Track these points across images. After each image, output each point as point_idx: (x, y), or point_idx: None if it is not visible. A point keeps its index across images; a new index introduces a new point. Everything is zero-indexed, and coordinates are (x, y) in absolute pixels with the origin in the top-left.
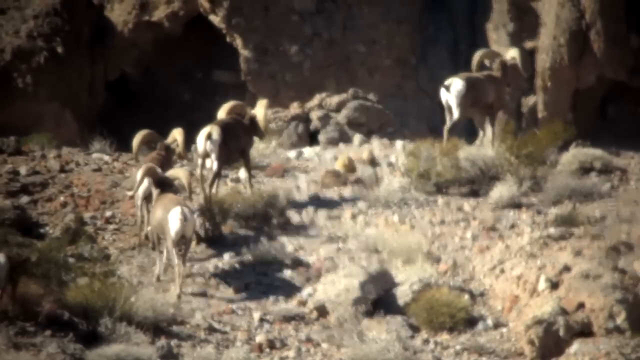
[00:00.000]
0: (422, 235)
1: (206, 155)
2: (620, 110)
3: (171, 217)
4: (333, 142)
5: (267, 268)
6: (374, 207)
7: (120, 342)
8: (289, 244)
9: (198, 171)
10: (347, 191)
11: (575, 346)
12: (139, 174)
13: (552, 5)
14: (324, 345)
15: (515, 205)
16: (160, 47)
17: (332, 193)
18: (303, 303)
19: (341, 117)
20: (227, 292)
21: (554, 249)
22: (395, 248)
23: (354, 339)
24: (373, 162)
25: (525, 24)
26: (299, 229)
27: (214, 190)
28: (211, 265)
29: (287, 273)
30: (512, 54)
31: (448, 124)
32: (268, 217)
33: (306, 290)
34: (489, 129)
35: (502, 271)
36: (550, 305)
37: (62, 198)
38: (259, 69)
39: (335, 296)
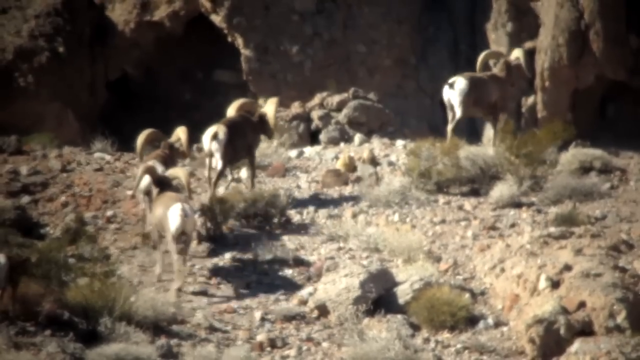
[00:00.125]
0: (423, 234)
1: (212, 154)
2: (619, 110)
3: (171, 213)
4: (334, 142)
5: (268, 267)
6: (375, 207)
7: (120, 341)
8: (289, 243)
9: (205, 172)
10: (347, 190)
11: (576, 345)
12: (139, 172)
13: (551, 5)
14: (325, 345)
15: (516, 204)
16: (162, 47)
17: (332, 192)
18: (304, 302)
19: (342, 116)
20: (228, 291)
21: (554, 248)
22: (396, 247)
23: (355, 338)
24: (374, 161)
25: (524, 24)
26: (300, 228)
27: (223, 189)
28: (212, 264)
29: (288, 272)
30: (516, 54)
31: (451, 122)
32: (269, 217)
33: (307, 290)
34: (490, 128)
35: (503, 270)
36: (550, 304)
37: (63, 198)
38: (260, 69)
39: (336, 295)
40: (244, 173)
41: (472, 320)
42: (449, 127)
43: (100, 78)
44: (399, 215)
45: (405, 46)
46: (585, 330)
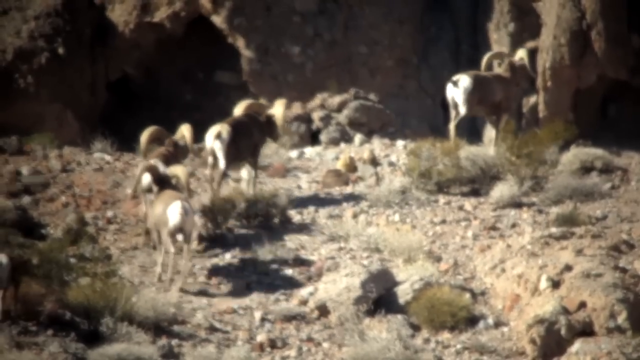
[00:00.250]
0: (423, 234)
1: (215, 154)
2: (621, 109)
3: (171, 210)
4: (334, 142)
5: (269, 267)
6: (375, 207)
7: (121, 341)
8: (290, 243)
9: (207, 171)
10: (348, 191)
11: (576, 345)
12: (138, 170)
13: (553, 5)
14: (325, 345)
15: (516, 204)
16: (162, 48)
17: (333, 192)
18: (304, 302)
19: (342, 117)
20: (228, 291)
21: (555, 248)
22: (396, 247)
23: (355, 338)
24: (374, 161)
25: (526, 24)
26: (301, 228)
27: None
28: (212, 264)
29: (289, 272)
30: (520, 54)
31: (454, 120)
32: (270, 217)
33: (307, 290)
34: (491, 129)
35: (503, 270)
36: (551, 305)
37: (63, 198)
38: (261, 70)
39: (336, 295)
40: (244, 173)
41: (472, 321)
42: (452, 124)
43: (101, 79)
44: (399, 215)
45: (407, 46)
46: (586, 330)
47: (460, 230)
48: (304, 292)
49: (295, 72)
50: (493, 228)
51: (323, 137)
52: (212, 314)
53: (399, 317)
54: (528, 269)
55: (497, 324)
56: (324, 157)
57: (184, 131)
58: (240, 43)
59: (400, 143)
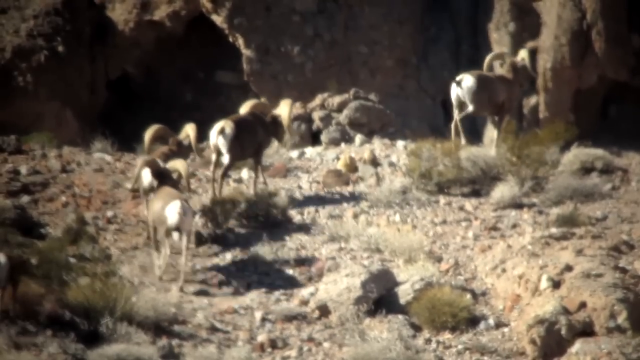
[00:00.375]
0: (424, 234)
1: (219, 150)
2: (621, 110)
3: (169, 209)
4: (335, 142)
5: (269, 267)
6: (376, 207)
7: (121, 342)
8: (290, 243)
9: (210, 168)
10: (348, 191)
11: (577, 345)
12: (138, 165)
13: (554, 5)
14: (326, 345)
15: (517, 205)
16: (162, 47)
17: (333, 193)
18: (305, 302)
19: (343, 117)
20: (229, 291)
21: (555, 248)
22: (397, 247)
23: (356, 338)
24: (374, 162)
25: (526, 24)
26: (301, 229)
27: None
28: (212, 264)
29: (289, 272)
30: (522, 54)
31: (456, 118)
32: (270, 217)
33: (308, 290)
34: (491, 129)
35: (504, 270)
36: (552, 305)
37: (63, 198)
38: (261, 70)
39: (337, 295)
40: (245, 174)
41: (473, 321)
42: (454, 122)
43: (100, 77)
44: (400, 215)
45: (407, 47)
46: (586, 330)
47: (460, 231)
48: (304, 292)
49: (296, 72)
50: (494, 228)
51: (323, 137)
52: (212, 314)
53: (400, 317)
54: (528, 269)
55: (498, 325)
56: (324, 157)
57: (189, 131)
58: (240, 42)
59: (400, 143)
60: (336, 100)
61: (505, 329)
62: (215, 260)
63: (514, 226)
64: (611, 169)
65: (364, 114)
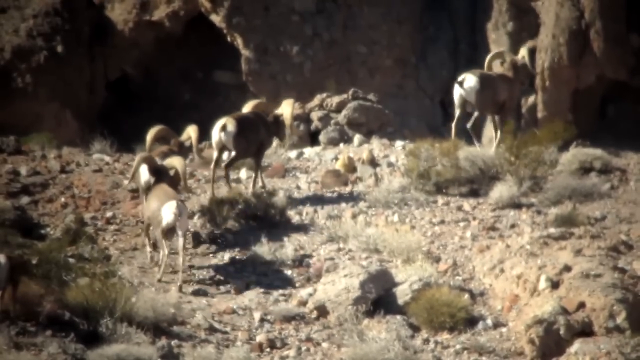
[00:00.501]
0: (422, 235)
1: (220, 147)
2: (620, 109)
3: (165, 208)
4: (333, 142)
5: (268, 268)
6: (374, 207)
7: (120, 342)
8: (289, 243)
9: (210, 167)
10: (347, 191)
11: (575, 346)
12: (135, 161)
13: (552, 4)
14: (324, 345)
15: (515, 205)
16: (161, 47)
17: (332, 193)
18: (303, 303)
19: (341, 117)
20: (228, 292)
21: (554, 248)
22: (395, 248)
23: (354, 338)
24: (373, 162)
25: (524, 23)
26: (300, 229)
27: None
28: (211, 264)
29: (288, 273)
30: (522, 53)
31: (456, 118)
32: (268, 217)
33: (306, 290)
34: (490, 129)
35: (502, 271)
36: (550, 305)
37: (62, 199)
38: (260, 70)
39: (335, 296)
40: (243, 174)
41: (471, 321)
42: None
43: (100, 78)
44: (398, 215)
45: (406, 46)
46: (585, 330)
47: (459, 231)
48: (303, 292)
49: (294, 72)
50: (492, 228)
51: (322, 137)
52: (211, 314)
53: (398, 317)
54: (527, 269)
55: (496, 325)
56: (323, 158)
57: (191, 132)
58: (239, 42)
59: (399, 143)
60: (335, 100)
61: (504, 329)
62: (214, 261)
63: (513, 226)
64: (610, 169)
65: (362, 113)
